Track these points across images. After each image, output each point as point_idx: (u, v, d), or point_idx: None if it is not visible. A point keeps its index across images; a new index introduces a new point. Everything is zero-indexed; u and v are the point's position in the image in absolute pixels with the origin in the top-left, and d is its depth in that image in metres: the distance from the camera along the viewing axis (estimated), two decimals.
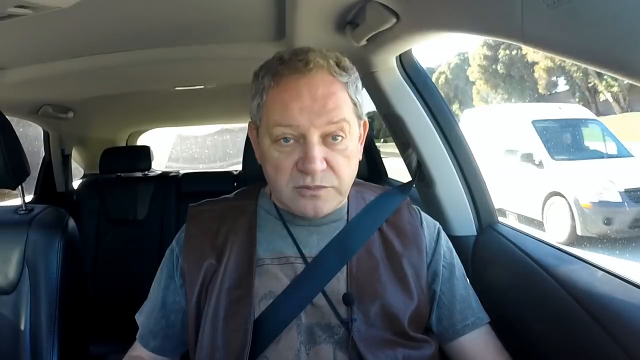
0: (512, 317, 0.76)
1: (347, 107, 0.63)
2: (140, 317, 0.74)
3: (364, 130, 0.72)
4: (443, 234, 0.75)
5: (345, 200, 0.73)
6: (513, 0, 0.46)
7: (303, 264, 0.66)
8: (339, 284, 0.66)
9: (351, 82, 0.65)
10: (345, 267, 0.67)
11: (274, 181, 0.64)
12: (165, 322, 0.71)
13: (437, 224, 0.76)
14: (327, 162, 0.62)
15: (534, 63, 15.13)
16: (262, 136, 0.66)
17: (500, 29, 0.52)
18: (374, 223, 0.71)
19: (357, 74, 0.67)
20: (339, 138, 0.62)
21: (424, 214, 0.76)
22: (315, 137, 0.60)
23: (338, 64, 0.64)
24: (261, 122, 0.66)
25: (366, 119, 0.71)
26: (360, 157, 0.71)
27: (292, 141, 0.62)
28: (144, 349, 0.72)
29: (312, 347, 0.62)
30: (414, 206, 0.77)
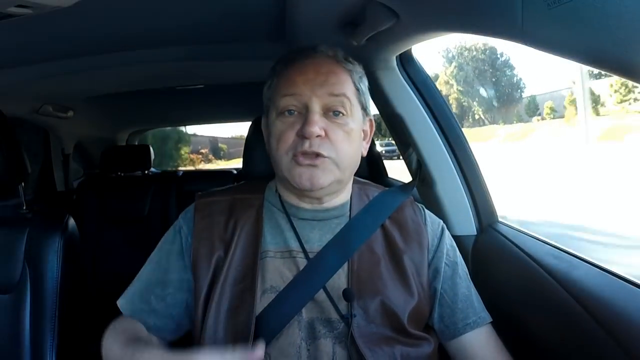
0: (511, 316, 0.76)
1: (350, 88, 0.68)
2: (123, 300, 0.70)
3: (371, 129, 0.74)
4: (447, 233, 0.75)
5: (348, 196, 0.74)
6: (513, 0, 0.46)
7: (305, 259, 0.67)
8: (339, 279, 0.66)
9: (355, 72, 0.70)
10: (346, 262, 0.67)
11: (275, 152, 0.67)
12: (172, 299, 0.68)
13: (442, 222, 0.77)
14: (326, 133, 0.65)
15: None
16: (270, 113, 0.70)
17: (500, 28, 0.52)
18: (376, 220, 0.72)
19: (362, 71, 0.72)
20: (340, 113, 0.66)
21: (428, 212, 0.77)
22: (316, 106, 0.65)
23: (345, 57, 0.70)
24: (270, 102, 0.70)
25: (372, 116, 0.74)
26: (365, 154, 0.73)
27: (295, 113, 0.66)
28: (140, 324, 0.68)
29: (312, 342, 0.63)
30: (419, 204, 0.78)
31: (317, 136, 0.64)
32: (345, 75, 0.68)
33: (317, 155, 0.64)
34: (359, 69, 0.71)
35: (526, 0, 0.45)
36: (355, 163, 0.70)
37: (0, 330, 0.85)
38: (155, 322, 0.68)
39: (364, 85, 0.71)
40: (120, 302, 0.71)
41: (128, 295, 0.71)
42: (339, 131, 0.66)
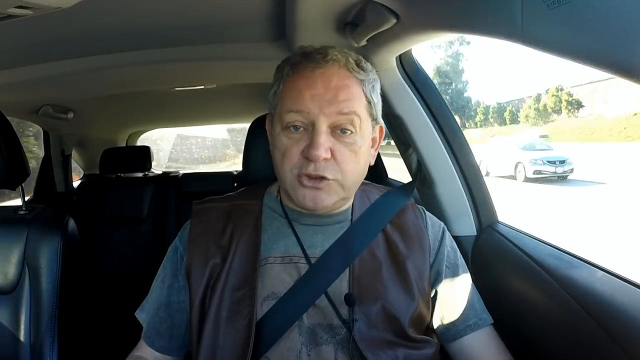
0: (511, 317, 0.76)
1: (360, 102, 0.64)
2: (142, 315, 0.73)
3: (380, 136, 0.71)
4: (448, 234, 0.75)
5: (351, 201, 0.73)
6: (513, 0, 0.46)
7: (306, 265, 0.66)
8: (341, 284, 0.66)
9: (368, 81, 0.65)
10: (347, 267, 0.67)
11: (280, 167, 0.65)
12: (171, 321, 0.71)
13: (442, 224, 0.76)
14: (332, 154, 0.62)
15: None
16: (274, 123, 0.67)
17: (500, 29, 0.52)
18: (378, 224, 0.71)
19: (375, 76, 0.68)
20: (348, 131, 0.63)
21: (429, 215, 0.76)
22: (323, 126, 0.61)
23: (357, 63, 0.65)
24: (275, 110, 0.67)
25: (382, 124, 0.71)
26: (372, 162, 0.70)
27: (301, 129, 0.63)
28: (150, 348, 0.71)
29: (313, 348, 0.62)
30: (420, 207, 0.77)
31: (323, 159, 0.61)
32: (356, 87, 0.63)
33: (322, 178, 0.62)
34: (372, 76, 0.66)
35: (526, 0, 0.45)
36: (361, 178, 0.68)
37: (0, 330, 0.85)
38: (161, 343, 0.71)
39: (376, 94, 0.67)
40: (139, 316, 0.73)
41: (145, 310, 0.73)
42: (346, 151, 0.63)
